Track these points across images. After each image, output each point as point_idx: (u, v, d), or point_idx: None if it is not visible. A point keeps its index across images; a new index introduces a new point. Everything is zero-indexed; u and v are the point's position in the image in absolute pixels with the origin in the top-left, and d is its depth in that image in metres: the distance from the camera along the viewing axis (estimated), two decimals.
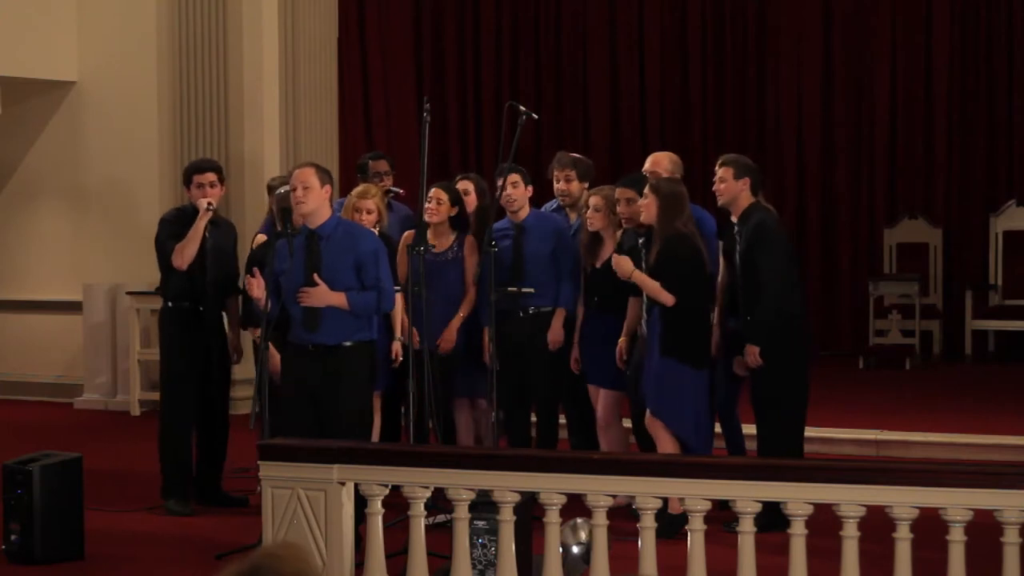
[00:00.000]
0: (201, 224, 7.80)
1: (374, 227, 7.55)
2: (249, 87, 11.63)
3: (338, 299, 6.70)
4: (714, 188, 7.58)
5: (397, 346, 7.73)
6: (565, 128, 14.55)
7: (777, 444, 7.28)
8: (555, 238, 8.00)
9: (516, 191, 8.00)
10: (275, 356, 7.02)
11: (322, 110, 12.35)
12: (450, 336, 7.96)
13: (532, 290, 7.80)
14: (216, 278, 7.98)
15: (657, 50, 14.40)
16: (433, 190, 7.98)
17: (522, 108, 7.53)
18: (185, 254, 7.80)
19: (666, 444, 7.27)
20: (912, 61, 13.63)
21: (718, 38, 14.27)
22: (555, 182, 8.32)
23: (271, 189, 8.37)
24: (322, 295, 6.70)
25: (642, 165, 8.22)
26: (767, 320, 7.31)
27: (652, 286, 7.23)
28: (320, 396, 6.75)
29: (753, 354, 7.32)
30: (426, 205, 7.77)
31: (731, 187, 7.46)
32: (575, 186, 8.25)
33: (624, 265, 7.29)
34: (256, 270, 6.85)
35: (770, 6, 14.03)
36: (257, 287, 6.74)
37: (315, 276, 6.70)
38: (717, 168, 7.57)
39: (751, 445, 7.81)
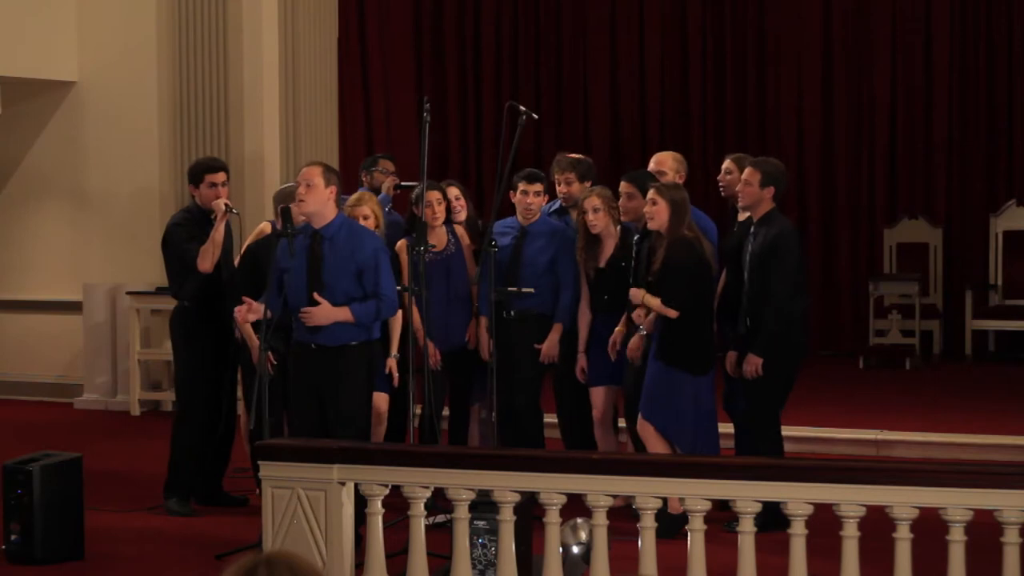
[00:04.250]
0: (221, 226, 7.80)
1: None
2: (249, 87, 11.64)
3: (343, 314, 6.70)
4: (736, 189, 7.58)
5: (392, 363, 7.62)
6: (565, 128, 14.55)
7: (754, 441, 7.31)
8: (556, 246, 7.99)
9: (538, 200, 7.99)
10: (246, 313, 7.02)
11: (322, 110, 12.37)
12: (483, 342, 7.97)
13: (532, 290, 7.79)
14: (226, 277, 8.00)
15: (657, 50, 14.39)
16: (431, 193, 7.97)
17: (522, 108, 7.53)
18: (212, 257, 7.79)
19: (655, 446, 7.26)
20: (912, 61, 13.63)
21: (718, 37, 14.26)
22: (556, 185, 8.35)
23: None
24: (326, 313, 6.69)
25: (642, 165, 8.22)
26: (771, 331, 7.30)
27: (655, 304, 7.24)
28: (323, 395, 6.76)
29: (755, 365, 7.31)
30: (427, 209, 7.78)
31: (754, 192, 7.46)
32: (576, 187, 8.26)
33: (637, 295, 7.31)
34: (246, 299, 6.86)
35: (770, 6, 14.02)
36: (251, 312, 6.77)
37: (316, 295, 6.69)
38: (744, 168, 7.56)
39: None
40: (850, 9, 13.79)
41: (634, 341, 7.51)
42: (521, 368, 7.91)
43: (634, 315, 7.48)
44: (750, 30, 14.13)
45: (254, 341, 7.37)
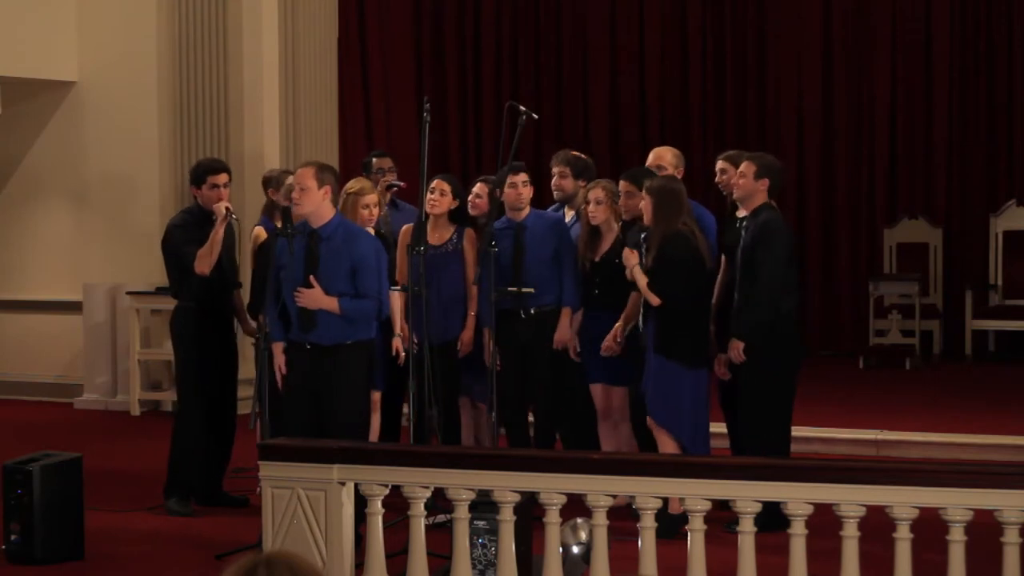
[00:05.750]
0: (221, 230, 7.79)
1: (373, 222, 7.54)
2: (249, 87, 11.63)
3: (330, 303, 6.74)
4: (732, 181, 7.60)
5: (397, 342, 7.67)
6: (565, 128, 14.55)
7: (762, 444, 7.28)
8: (556, 236, 7.99)
9: (526, 190, 7.99)
10: (280, 354, 7.02)
11: (322, 110, 12.36)
12: (468, 337, 7.96)
13: (531, 290, 7.79)
14: (225, 277, 8.01)
15: (657, 50, 14.39)
16: (436, 181, 7.98)
17: (522, 108, 7.53)
18: (210, 260, 7.79)
19: (666, 443, 7.27)
20: (912, 61, 13.63)
21: (718, 37, 14.26)
22: (552, 177, 8.38)
23: (268, 181, 8.41)
24: (316, 297, 6.73)
25: (642, 165, 8.22)
26: (758, 318, 7.31)
27: (642, 284, 7.25)
28: (319, 395, 6.77)
29: (737, 349, 7.32)
30: (428, 196, 7.76)
31: (749, 184, 7.48)
32: (568, 183, 8.29)
33: (631, 259, 7.30)
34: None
35: (770, 6, 14.02)
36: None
37: (311, 278, 6.73)
38: (739, 163, 7.57)
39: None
40: (850, 9, 13.79)
41: (617, 328, 7.64)
42: (543, 367, 7.92)
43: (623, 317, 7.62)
44: (750, 30, 14.13)
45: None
